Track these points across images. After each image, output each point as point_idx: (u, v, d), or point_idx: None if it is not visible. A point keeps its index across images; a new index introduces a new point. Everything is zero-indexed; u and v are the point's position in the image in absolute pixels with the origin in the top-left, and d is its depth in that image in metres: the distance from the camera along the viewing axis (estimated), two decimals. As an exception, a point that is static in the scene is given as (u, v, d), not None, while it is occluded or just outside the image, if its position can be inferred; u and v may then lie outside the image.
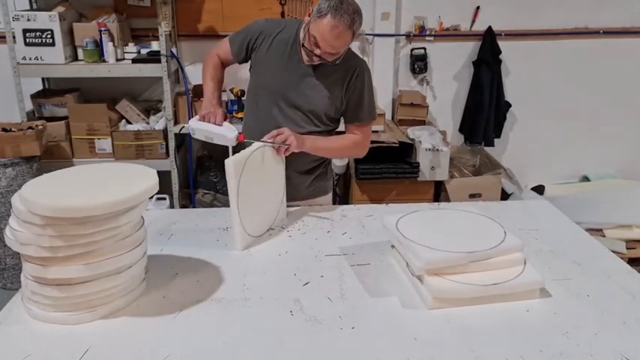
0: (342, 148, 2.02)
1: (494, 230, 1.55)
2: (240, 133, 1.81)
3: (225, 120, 1.88)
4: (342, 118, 2.02)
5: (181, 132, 3.54)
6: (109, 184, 1.39)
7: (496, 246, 1.46)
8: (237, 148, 1.78)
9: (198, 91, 3.63)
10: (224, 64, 2.08)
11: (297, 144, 1.82)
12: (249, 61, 2.01)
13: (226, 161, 1.66)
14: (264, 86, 1.97)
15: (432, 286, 1.40)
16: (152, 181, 1.40)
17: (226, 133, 1.82)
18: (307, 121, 1.94)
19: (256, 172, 1.76)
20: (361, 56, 3.82)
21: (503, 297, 1.43)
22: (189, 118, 3.43)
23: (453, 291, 1.40)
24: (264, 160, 1.80)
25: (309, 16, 1.78)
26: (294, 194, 2.01)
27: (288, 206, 1.99)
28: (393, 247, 1.64)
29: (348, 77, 1.91)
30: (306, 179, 2.07)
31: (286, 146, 1.80)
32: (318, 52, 1.77)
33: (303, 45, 1.82)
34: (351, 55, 1.92)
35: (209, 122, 1.86)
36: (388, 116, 3.90)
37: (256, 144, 1.77)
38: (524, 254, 1.49)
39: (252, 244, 1.77)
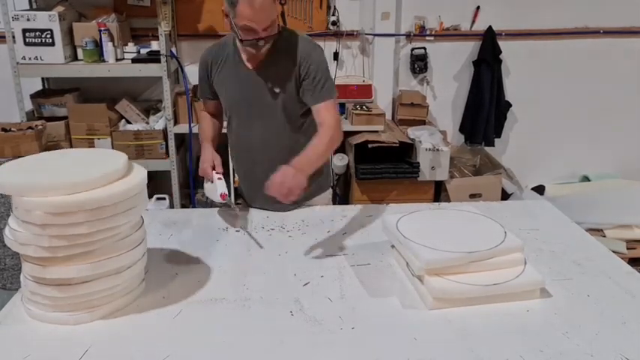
0: (325, 145, 1.83)
1: (494, 230, 1.55)
2: (222, 192, 1.86)
3: (214, 169, 1.94)
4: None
5: (181, 132, 3.55)
6: (78, 166, 1.39)
7: (496, 246, 1.46)
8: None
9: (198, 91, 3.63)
10: (215, 115, 2.15)
11: (299, 182, 1.65)
12: (214, 90, 2.04)
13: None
14: (229, 105, 2.01)
15: (432, 286, 1.40)
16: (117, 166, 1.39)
17: (214, 192, 1.89)
18: (282, 123, 1.93)
19: None
20: (360, 56, 3.90)
21: (503, 297, 1.43)
22: (190, 121, 3.48)
23: (454, 291, 1.40)
24: None
25: (226, 17, 1.77)
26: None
27: (289, 208, 1.99)
28: (393, 247, 1.64)
29: (297, 64, 1.86)
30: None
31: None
32: (257, 36, 1.73)
33: (241, 41, 1.77)
34: (294, 42, 1.87)
35: (205, 181, 1.97)
36: (388, 116, 3.89)
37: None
38: (524, 254, 1.49)
39: (251, 244, 1.78)
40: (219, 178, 1.90)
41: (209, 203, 3.67)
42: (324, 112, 1.87)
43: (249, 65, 1.89)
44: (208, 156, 1.98)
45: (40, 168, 1.38)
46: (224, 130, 2.14)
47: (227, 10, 1.74)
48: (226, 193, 1.85)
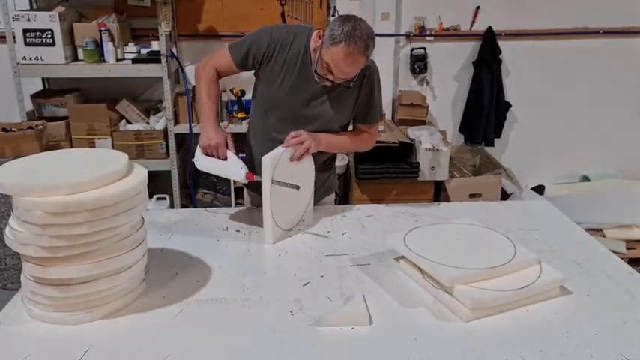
0: (351, 145, 2.05)
1: (500, 241, 1.58)
2: (247, 172, 1.80)
3: (228, 147, 1.84)
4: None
5: (182, 132, 3.55)
6: (78, 167, 1.38)
7: (512, 258, 1.48)
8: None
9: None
10: (220, 76, 1.96)
11: (314, 145, 1.82)
12: (255, 70, 1.93)
13: (263, 158, 1.72)
14: (275, 101, 1.91)
15: (468, 297, 1.36)
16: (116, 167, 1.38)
17: (234, 173, 1.81)
18: (316, 131, 1.90)
19: (287, 168, 1.79)
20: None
21: (529, 299, 1.42)
22: (189, 121, 3.48)
23: (489, 299, 1.37)
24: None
25: (320, 38, 1.74)
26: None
27: None
28: (397, 260, 1.63)
29: (358, 85, 1.87)
30: (322, 177, 2.05)
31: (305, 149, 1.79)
32: (331, 77, 1.75)
33: (315, 71, 1.78)
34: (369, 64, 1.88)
35: (213, 157, 1.84)
36: (388, 116, 3.90)
37: (279, 149, 1.78)
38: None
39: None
40: (239, 158, 1.82)
41: (209, 203, 3.68)
42: (365, 128, 2.01)
43: (317, 79, 1.82)
44: (219, 131, 1.85)
45: (41, 168, 1.38)
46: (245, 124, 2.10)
47: (324, 37, 1.72)
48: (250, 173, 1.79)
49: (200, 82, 1.93)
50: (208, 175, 3.74)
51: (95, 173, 1.32)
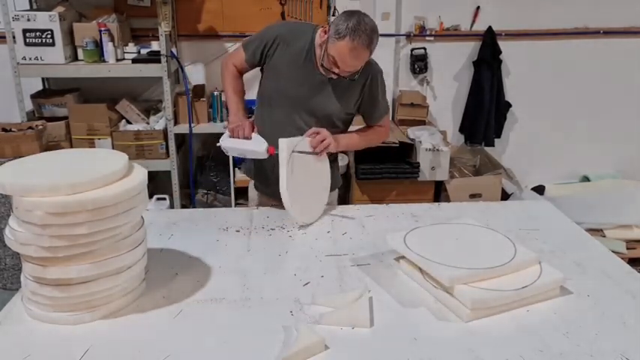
0: (368, 140, 2.12)
1: (500, 241, 1.58)
2: (269, 146, 1.87)
3: (253, 131, 1.93)
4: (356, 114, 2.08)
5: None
6: (78, 166, 1.39)
7: (512, 258, 1.47)
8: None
9: (197, 92, 3.63)
10: (241, 73, 2.07)
11: (334, 145, 1.91)
12: (263, 64, 1.99)
13: (280, 140, 1.80)
14: (280, 93, 1.97)
15: (468, 297, 1.35)
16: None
17: (257, 147, 1.90)
18: (322, 125, 1.95)
19: (303, 164, 1.86)
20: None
21: (529, 299, 1.42)
22: (189, 121, 3.48)
23: (490, 299, 1.37)
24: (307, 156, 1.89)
25: (326, 33, 1.80)
26: None
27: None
28: (398, 260, 1.63)
29: (361, 82, 1.93)
30: None
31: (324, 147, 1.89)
32: (336, 70, 1.80)
33: (321, 64, 1.84)
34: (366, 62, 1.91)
35: (238, 137, 1.93)
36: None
37: (296, 139, 1.85)
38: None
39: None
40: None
41: (209, 203, 3.67)
42: (383, 121, 2.09)
43: (323, 72, 1.87)
44: (245, 118, 1.97)
45: (41, 168, 1.38)
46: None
47: (329, 31, 1.77)
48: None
49: (224, 79, 2.06)
50: (208, 175, 3.78)
51: (95, 174, 1.32)
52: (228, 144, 1.96)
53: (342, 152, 2.08)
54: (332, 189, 2.15)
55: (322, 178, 2.00)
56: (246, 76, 2.08)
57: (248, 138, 1.92)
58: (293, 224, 1.92)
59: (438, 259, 1.45)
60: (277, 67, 1.95)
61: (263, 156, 1.89)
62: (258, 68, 2.05)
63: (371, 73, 1.95)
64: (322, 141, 1.89)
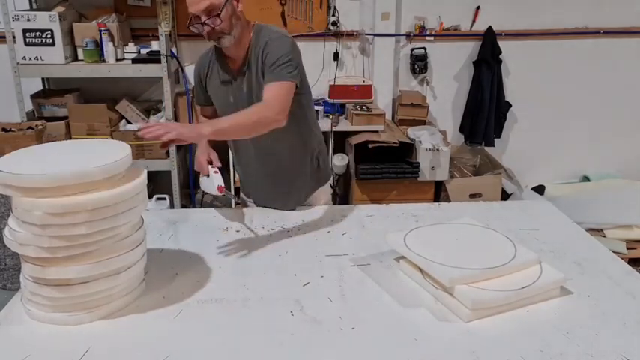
0: (248, 117, 1.71)
1: (500, 241, 1.58)
2: (219, 185, 1.85)
3: (210, 163, 1.94)
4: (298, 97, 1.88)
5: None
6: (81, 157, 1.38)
7: (513, 258, 1.47)
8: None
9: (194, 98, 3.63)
10: (212, 118, 2.03)
11: (186, 134, 1.56)
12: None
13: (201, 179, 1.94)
14: (221, 112, 1.97)
15: (468, 297, 1.35)
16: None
17: (210, 186, 1.90)
18: None
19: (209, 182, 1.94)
20: (360, 56, 3.90)
21: (529, 299, 1.42)
22: (190, 121, 3.48)
23: (490, 300, 1.36)
24: None
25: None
26: (295, 198, 2.04)
27: (289, 208, 2.03)
28: (398, 260, 1.63)
29: (261, 57, 1.82)
30: (305, 179, 2.06)
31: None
32: (201, 20, 1.76)
33: (189, 27, 1.81)
34: (262, 35, 1.85)
35: (201, 176, 1.97)
36: (388, 116, 3.89)
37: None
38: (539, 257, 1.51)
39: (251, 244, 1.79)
40: (215, 172, 1.90)
41: (206, 201, 3.69)
42: (268, 90, 1.76)
43: (231, 70, 1.90)
44: (204, 150, 1.99)
45: (40, 167, 1.37)
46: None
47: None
48: (223, 185, 1.85)
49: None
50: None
51: (96, 175, 1.31)
52: (202, 186, 2.02)
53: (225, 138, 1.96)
54: (322, 183, 2.13)
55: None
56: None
57: (207, 175, 1.94)
58: (293, 224, 1.92)
59: (438, 259, 1.45)
60: (211, 92, 2.00)
61: (218, 194, 1.88)
62: None
63: (261, 42, 1.82)
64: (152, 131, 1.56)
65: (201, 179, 2.00)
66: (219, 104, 2.00)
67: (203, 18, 1.76)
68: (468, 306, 1.35)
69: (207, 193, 1.98)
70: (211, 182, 1.88)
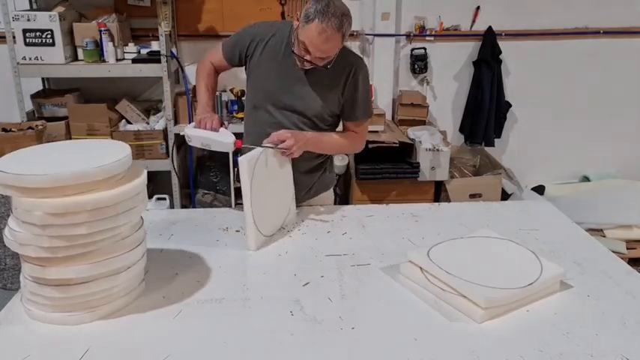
0: (339, 144, 2.02)
1: (524, 255, 1.57)
2: (236, 139, 1.82)
3: (221, 126, 1.90)
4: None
5: (181, 133, 3.54)
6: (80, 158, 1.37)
7: (540, 274, 1.46)
8: (236, 154, 1.81)
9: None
10: (217, 71, 2.08)
11: (298, 146, 1.82)
12: (245, 67, 2.01)
13: (240, 159, 1.69)
14: (260, 91, 1.96)
15: (480, 296, 1.35)
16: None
17: (223, 139, 1.84)
18: (305, 123, 1.93)
19: (265, 172, 1.78)
20: (361, 55, 3.89)
21: (534, 296, 1.42)
22: (190, 122, 3.48)
23: (501, 298, 1.36)
24: (270, 162, 1.81)
25: (298, 20, 1.77)
26: (297, 195, 2.02)
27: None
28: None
29: (344, 78, 1.89)
30: (310, 179, 2.07)
31: (287, 150, 1.81)
32: (308, 57, 1.77)
33: (293, 51, 1.81)
34: (347, 55, 1.90)
35: (205, 129, 1.88)
36: (388, 116, 3.89)
37: (259, 148, 1.78)
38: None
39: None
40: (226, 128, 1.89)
41: (206, 201, 3.66)
42: (353, 127, 2.00)
43: (298, 63, 1.84)
44: (209, 109, 1.96)
45: (40, 166, 1.37)
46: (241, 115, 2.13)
47: (301, 17, 1.75)
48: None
49: (199, 74, 2.08)
50: (208, 175, 3.78)
51: (96, 176, 1.31)
52: (193, 132, 1.90)
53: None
54: (326, 189, 2.15)
55: (286, 186, 1.93)
56: (244, 76, 2.07)
57: (215, 130, 1.88)
58: (293, 224, 1.92)
59: (468, 277, 1.41)
60: (256, 66, 1.94)
61: (229, 148, 1.84)
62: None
63: (355, 66, 1.90)
64: (283, 141, 1.80)
65: (195, 130, 1.90)
66: (257, 74, 1.95)
67: (313, 59, 1.77)
68: (481, 305, 1.34)
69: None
70: (224, 136, 1.83)
